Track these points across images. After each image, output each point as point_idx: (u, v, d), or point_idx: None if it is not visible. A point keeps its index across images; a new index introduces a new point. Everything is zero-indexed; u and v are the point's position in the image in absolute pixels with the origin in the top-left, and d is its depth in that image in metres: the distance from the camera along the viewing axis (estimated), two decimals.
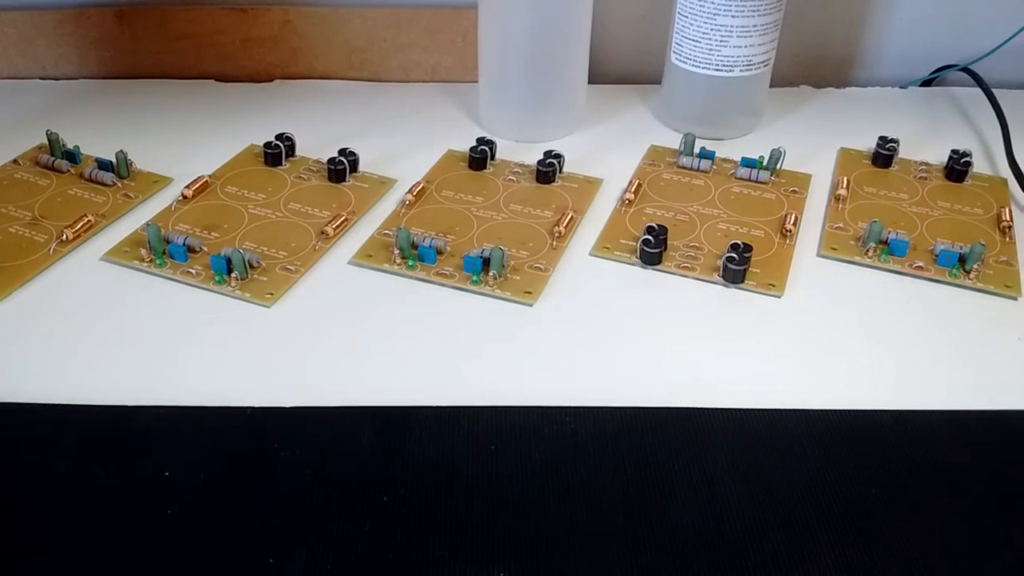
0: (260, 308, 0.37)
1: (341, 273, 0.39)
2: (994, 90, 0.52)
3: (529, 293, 0.38)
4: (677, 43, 0.49)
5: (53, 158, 0.45)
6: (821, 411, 0.32)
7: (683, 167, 0.47)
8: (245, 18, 0.54)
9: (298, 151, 0.47)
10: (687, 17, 0.48)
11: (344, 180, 0.45)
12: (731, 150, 0.48)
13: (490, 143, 0.47)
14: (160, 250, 0.39)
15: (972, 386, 0.34)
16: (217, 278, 0.37)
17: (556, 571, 0.27)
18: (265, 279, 0.38)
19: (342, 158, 0.45)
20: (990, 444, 0.31)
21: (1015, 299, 0.38)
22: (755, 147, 0.49)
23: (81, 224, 0.40)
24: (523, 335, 0.36)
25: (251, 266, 0.38)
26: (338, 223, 0.41)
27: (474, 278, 0.38)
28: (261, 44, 0.55)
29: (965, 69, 0.56)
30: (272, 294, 0.37)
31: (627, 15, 0.56)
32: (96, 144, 0.47)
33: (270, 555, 0.27)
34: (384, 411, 0.32)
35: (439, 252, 0.39)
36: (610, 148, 0.50)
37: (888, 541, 0.28)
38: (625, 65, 0.58)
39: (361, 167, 0.46)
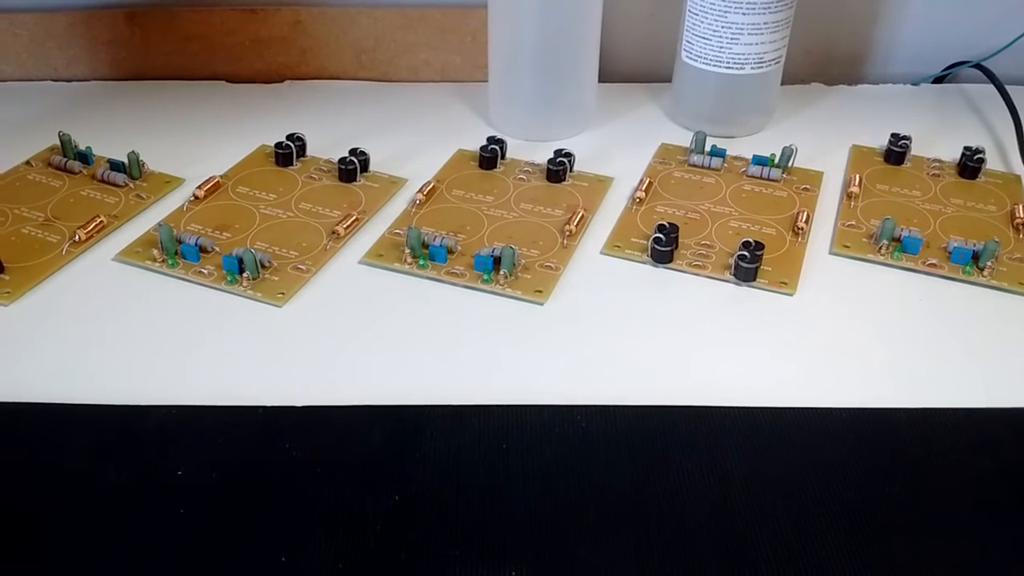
0: (272, 308, 0.37)
1: (352, 273, 0.39)
2: (1007, 87, 0.52)
3: (540, 292, 0.38)
4: (687, 41, 0.49)
5: (65, 159, 0.45)
6: (833, 409, 0.32)
7: (694, 165, 0.47)
8: (255, 19, 0.54)
9: (309, 151, 0.47)
10: (697, 15, 0.48)
11: (355, 180, 0.45)
12: (742, 148, 0.48)
13: (500, 142, 0.47)
14: (172, 250, 0.39)
15: (986, 384, 0.34)
16: (229, 278, 0.38)
17: (567, 570, 0.27)
18: (276, 279, 0.38)
19: (353, 158, 0.45)
20: (1005, 442, 0.31)
21: None
22: (766, 145, 0.49)
23: (94, 225, 0.41)
24: (534, 334, 0.36)
25: (263, 266, 0.38)
26: (349, 223, 0.41)
27: (485, 277, 0.38)
28: (271, 45, 0.55)
29: (978, 66, 0.55)
30: (283, 294, 0.37)
31: (637, 13, 0.56)
32: (108, 145, 0.47)
33: (282, 554, 0.27)
34: (395, 410, 0.32)
35: (450, 251, 0.39)
36: (620, 146, 0.49)
37: (903, 540, 0.27)
38: (635, 63, 0.58)
39: (372, 167, 0.46)
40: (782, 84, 0.51)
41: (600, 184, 0.45)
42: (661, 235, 0.39)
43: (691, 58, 0.49)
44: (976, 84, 0.56)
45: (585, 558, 0.27)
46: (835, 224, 0.43)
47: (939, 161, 0.48)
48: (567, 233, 0.41)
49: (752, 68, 0.48)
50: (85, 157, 0.46)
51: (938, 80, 0.58)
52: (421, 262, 0.39)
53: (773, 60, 0.48)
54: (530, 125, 0.50)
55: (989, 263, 0.39)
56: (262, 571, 0.26)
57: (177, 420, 0.31)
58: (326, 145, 0.48)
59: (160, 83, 0.56)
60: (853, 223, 0.42)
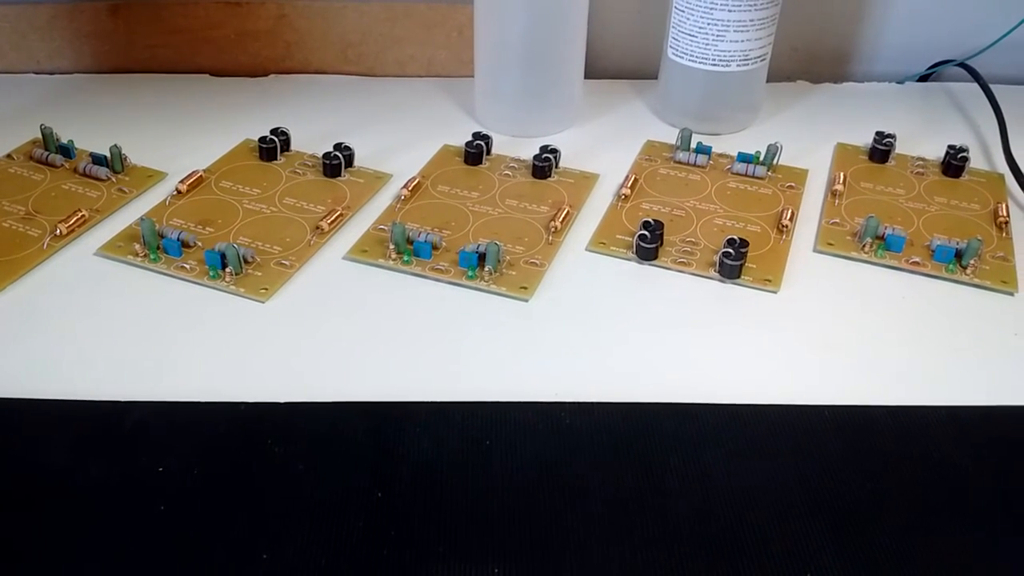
0: (255, 303, 0.37)
1: (336, 268, 0.39)
2: (991, 85, 0.52)
3: (525, 288, 0.37)
4: (673, 38, 0.49)
5: (47, 153, 0.45)
6: (817, 406, 0.32)
7: (679, 162, 0.47)
8: (240, 12, 0.54)
9: (293, 146, 0.47)
10: (683, 12, 0.48)
11: (339, 175, 0.45)
12: (728, 145, 0.48)
13: (486, 138, 0.47)
14: (154, 245, 0.38)
15: (968, 382, 0.34)
16: (211, 273, 0.37)
17: (550, 567, 0.26)
18: (260, 274, 0.38)
19: (337, 153, 0.45)
20: (985, 440, 0.31)
21: (1012, 294, 0.38)
22: (752, 142, 0.49)
23: (75, 219, 0.40)
24: (518, 330, 0.36)
25: (246, 261, 0.38)
26: (333, 218, 0.41)
27: (469, 273, 0.38)
28: (256, 38, 0.55)
29: (962, 64, 0.56)
30: (267, 289, 0.37)
31: (623, 9, 0.56)
32: (90, 139, 0.46)
33: (263, 551, 0.27)
34: (378, 407, 0.32)
35: (434, 247, 0.39)
36: (606, 143, 0.49)
37: (883, 537, 0.28)
38: (621, 60, 0.58)
39: (356, 162, 0.46)
40: (768, 81, 0.51)
41: (586, 181, 0.45)
42: (646, 232, 0.39)
43: (677, 55, 0.49)
44: (960, 83, 0.57)
45: (568, 556, 0.27)
46: (819, 222, 0.43)
47: (923, 159, 0.48)
48: (552, 230, 0.41)
49: (738, 65, 0.48)
50: (67, 150, 0.45)
51: (923, 79, 0.58)
52: (406, 258, 0.39)
53: (759, 57, 0.49)
54: (516, 121, 0.50)
55: (972, 261, 0.39)
56: (244, 568, 0.26)
57: (158, 416, 0.31)
58: (311, 140, 0.48)
59: (143, 76, 0.55)
60: (837, 221, 0.42)
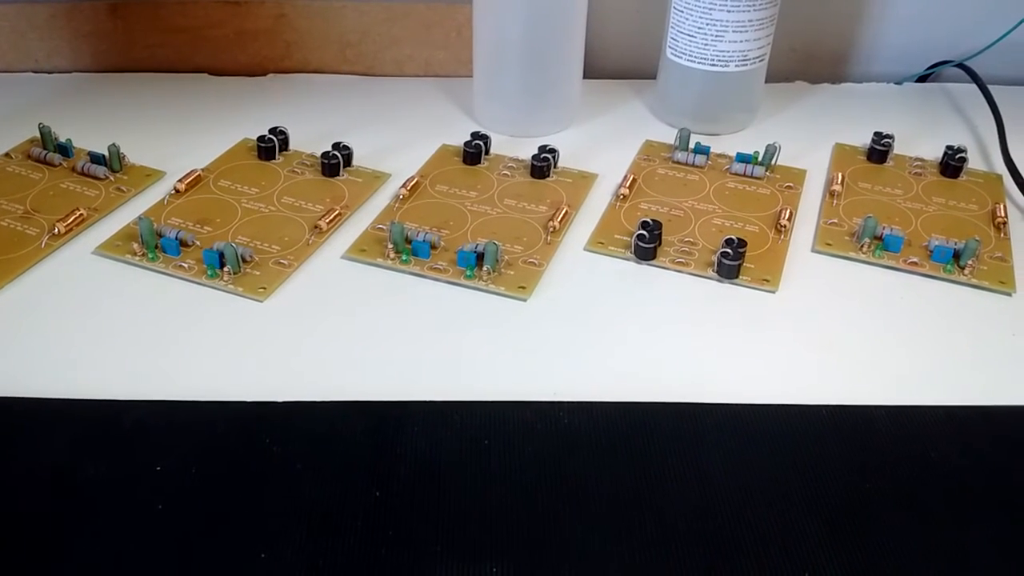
0: (253, 302, 0.37)
1: (334, 267, 0.39)
2: (989, 86, 0.52)
3: (523, 288, 0.37)
4: (672, 38, 0.49)
5: (45, 151, 0.45)
6: (815, 406, 0.32)
7: (678, 162, 0.47)
8: (239, 12, 0.54)
9: (292, 145, 0.47)
10: (682, 12, 0.48)
11: (338, 174, 0.45)
12: (726, 145, 0.48)
13: (485, 138, 0.47)
14: (152, 244, 0.38)
15: (966, 382, 0.34)
16: (210, 272, 0.37)
17: (548, 566, 0.26)
18: (258, 273, 0.38)
19: (336, 152, 0.45)
20: (983, 440, 0.31)
21: (1009, 295, 0.38)
22: (750, 142, 0.49)
23: (73, 218, 0.40)
24: (517, 330, 0.36)
25: (244, 260, 0.38)
26: (331, 217, 0.41)
27: (468, 273, 0.38)
28: (255, 38, 0.55)
29: (960, 65, 0.56)
30: (265, 288, 0.37)
31: (622, 9, 0.56)
32: (88, 138, 0.46)
33: (261, 550, 0.27)
34: (377, 406, 0.32)
35: (433, 247, 0.39)
36: (605, 143, 0.49)
37: (881, 537, 0.28)
38: (620, 60, 0.58)
39: (355, 161, 0.46)
40: (766, 82, 0.51)
41: (584, 180, 0.45)
42: (644, 232, 0.39)
43: (676, 55, 0.49)
44: (959, 84, 0.57)
45: (566, 554, 0.27)
46: (817, 222, 0.43)
47: (921, 160, 0.48)
48: (551, 229, 0.41)
49: (736, 66, 0.48)
50: (65, 149, 0.45)
51: (921, 79, 0.59)
52: (404, 257, 0.39)
53: (757, 58, 0.49)
54: (514, 121, 0.50)
55: (970, 262, 0.39)
56: (241, 567, 0.26)
57: (156, 415, 0.31)
58: (309, 139, 0.48)
59: (142, 75, 0.55)
60: (835, 221, 0.43)
